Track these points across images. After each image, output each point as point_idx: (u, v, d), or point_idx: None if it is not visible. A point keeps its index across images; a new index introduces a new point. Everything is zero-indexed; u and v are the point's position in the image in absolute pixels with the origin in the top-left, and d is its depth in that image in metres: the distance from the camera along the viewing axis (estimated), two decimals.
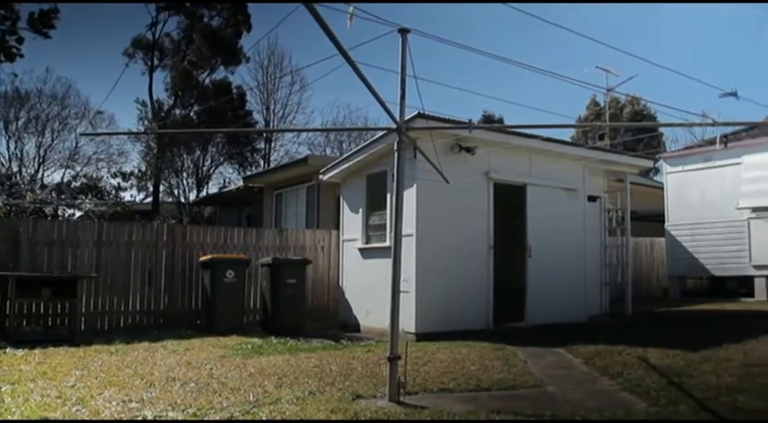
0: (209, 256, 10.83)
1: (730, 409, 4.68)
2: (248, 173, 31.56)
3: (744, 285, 15.28)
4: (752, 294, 14.78)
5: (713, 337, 7.82)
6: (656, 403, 4.91)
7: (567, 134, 36.49)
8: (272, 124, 37.33)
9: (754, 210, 14.70)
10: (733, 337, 7.79)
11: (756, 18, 54.45)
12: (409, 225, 8.79)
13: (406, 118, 5.88)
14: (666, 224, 16.64)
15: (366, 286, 10.45)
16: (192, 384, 5.77)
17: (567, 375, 6.25)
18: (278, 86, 37.93)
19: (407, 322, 8.58)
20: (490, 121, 38.50)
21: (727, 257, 15.22)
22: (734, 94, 5.80)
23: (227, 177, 36.65)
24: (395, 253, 5.41)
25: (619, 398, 5.22)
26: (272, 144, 37.86)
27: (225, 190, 28.97)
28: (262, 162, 36.38)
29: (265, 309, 10.89)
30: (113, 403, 5.04)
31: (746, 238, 14.89)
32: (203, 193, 33.39)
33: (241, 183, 21.85)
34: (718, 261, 15.43)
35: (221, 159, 35.87)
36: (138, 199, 32.38)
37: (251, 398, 5.17)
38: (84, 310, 10.29)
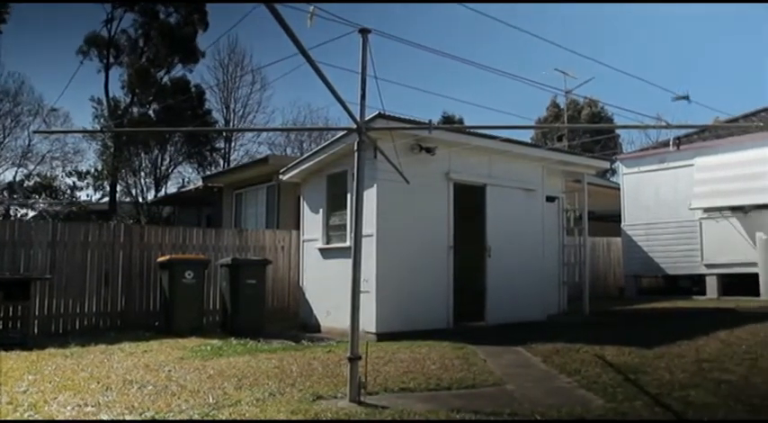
0: (167, 257, 10.68)
1: (683, 404, 4.80)
2: (208, 172, 31.22)
3: (696, 284, 15.71)
4: (703, 292, 15.21)
5: (667, 335, 8.02)
6: (612, 399, 5.00)
7: (526, 135, 37.00)
8: (231, 123, 37.01)
9: (706, 210, 15.12)
10: (686, 334, 7.99)
11: (711, 22, 55.96)
12: (369, 225, 8.80)
13: (367, 118, 5.89)
14: (623, 224, 16.98)
15: (326, 286, 10.43)
16: (150, 387, 5.68)
17: (526, 373, 6.32)
18: (238, 85, 37.69)
19: (368, 322, 8.59)
20: (450, 122, 38.78)
21: (681, 257, 15.61)
22: (686, 98, 5.96)
23: (186, 177, 36.21)
24: (355, 253, 5.41)
25: (576, 395, 5.30)
26: (232, 143, 37.56)
27: (184, 190, 28.59)
28: (221, 162, 36.02)
29: (225, 310, 10.78)
30: (68, 408, 4.94)
31: (698, 237, 15.31)
32: (162, 193, 32.89)
33: (200, 182, 21.60)
34: (671, 260, 15.82)
35: (180, 159, 35.35)
36: (94, 199, 31.80)
37: (210, 400, 5.11)
38: (37, 312, 10.06)
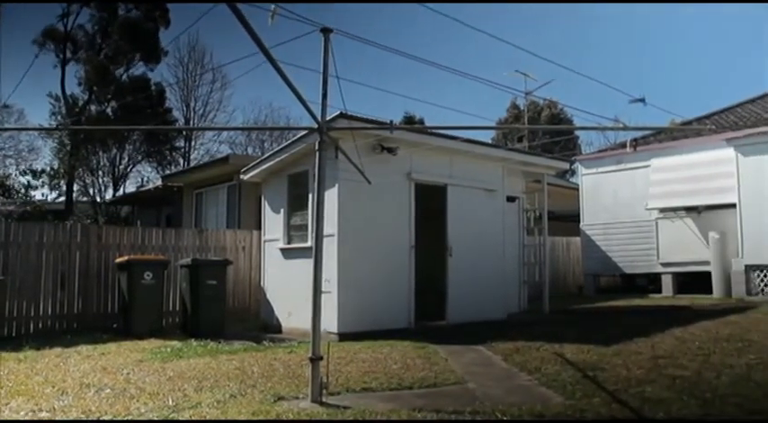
0: (125, 258, 10.49)
1: (639, 400, 4.90)
2: (167, 172, 30.80)
3: (652, 282, 16.08)
4: (659, 290, 15.56)
5: (624, 332, 8.18)
6: (571, 397, 5.08)
7: (487, 136, 37.37)
8: (192, 122, 36.62)
9: (662, 210, 15.47)
10: (642, 331, 8.17)
11: (667, 26, 57.19)
12: (331, 225, 8.79)
13: (328, 118, 5.88)
14: (582, 224, 17.26)
15: (288, 287, 10.37)
16: (108, 390, 5.59)
17: (487, 372, 6.38)
18: (199, 84, 37.34)
19: (330, 322, 8.57)
20: (411, 122, 38.94)
21: (638, 256, 15.94)
22: (642, 101, 6.07)
23: (145, 176, 35.68)
24: (316, 253, 5.40)
25: (536, 392, 5.37)
26: (193, 143, 37.14)
27: (143, 189, 28.12)
28: (181, 161, 35.58)
29: (185, 311, 10.64)
30: (21, 413, 4.82)
31: (655, 237, 15.66)
32: (120, 193, 32.35)
33: (160, 182, 21.32)
34: (629, 259, 16.14)
35: (139, 158, 34.82)
36: (50, 198, 31.06)
37: (170, 403, 5.05)
38: None
